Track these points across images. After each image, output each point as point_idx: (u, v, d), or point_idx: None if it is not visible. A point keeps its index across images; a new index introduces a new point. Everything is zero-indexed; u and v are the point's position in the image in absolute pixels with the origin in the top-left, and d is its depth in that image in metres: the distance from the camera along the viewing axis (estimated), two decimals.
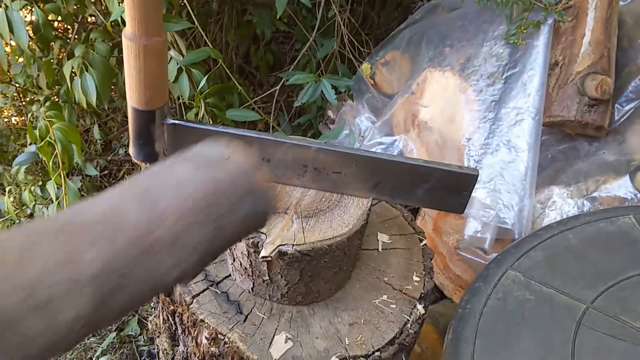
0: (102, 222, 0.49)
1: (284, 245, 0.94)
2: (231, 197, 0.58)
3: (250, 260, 1.00)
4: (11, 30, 1.39)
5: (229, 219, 0.58)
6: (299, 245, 0.94)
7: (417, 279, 1.16)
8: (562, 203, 1.50)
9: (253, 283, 1.04)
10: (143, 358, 2.18)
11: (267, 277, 1.01)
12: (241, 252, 1.00)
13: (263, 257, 0.93)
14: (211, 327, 1.01)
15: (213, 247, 0.57)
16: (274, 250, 0.93)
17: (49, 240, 0.46)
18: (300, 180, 1.03)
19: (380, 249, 1.20)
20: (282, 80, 2.08)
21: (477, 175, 0.91)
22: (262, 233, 0.96)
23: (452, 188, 0.95)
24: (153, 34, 0.76)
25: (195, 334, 1.06)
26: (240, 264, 1.03)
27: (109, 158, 2.74)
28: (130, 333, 2.24)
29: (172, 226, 0.52)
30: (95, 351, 2.15)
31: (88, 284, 0.45)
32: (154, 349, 2.19)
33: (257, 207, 0.61)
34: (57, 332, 0.44)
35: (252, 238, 0.96)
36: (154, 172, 0.58)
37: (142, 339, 2.23)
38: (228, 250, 1.06)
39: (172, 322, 1.14)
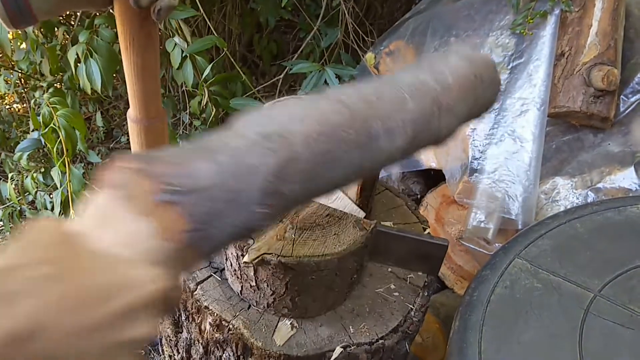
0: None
1: (269, 254, 0.91)
2: (484, 79, 0.78)
3: (238, 263, 0.98)
4: None
5: (482, 95, 0.78)
6: (285, 257, 0.91)
7: None
8: (566, 194, 1.50)
9: (241, 287, 1.03)
10: (144, 345, 2.19)
11: (254, 283, 0.98)
12: (232, 253, 0.99)
13: (245, 262, 0.91)
14: (215, 314, 1.01)
15: (470, 116, 0.79)
16: (257, 257, 0.91)
17: None
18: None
19: None
20: (285, 70, 2.08)
21: (447, 246, 0.97)
22: (251, 238, 0.94)
23: (424, 255, 1.00)
24: (153, 116, 0.86)
25: (199, 321, 1.06)
26: (231, 265, 1.02)
27: (110, 146, 2.74)
28: None
29: (456, 95, 0.72)
30: None
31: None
32: (156, 335, 2.19)
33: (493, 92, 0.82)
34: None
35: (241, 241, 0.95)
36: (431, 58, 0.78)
37: None
38: (223, 249, 1.05)
39: (176, 308, 1.14)
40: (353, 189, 1.10)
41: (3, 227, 2.40)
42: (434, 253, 0.98)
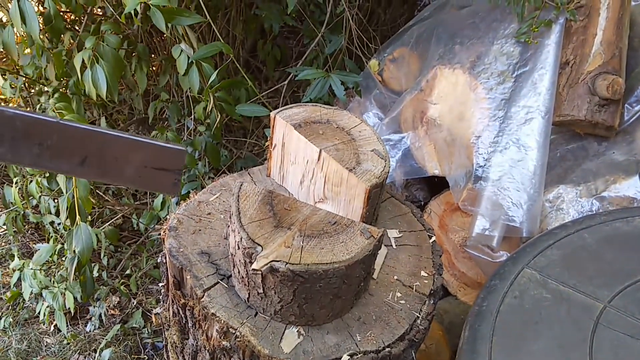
0: None
1: (277, 261, 0.92)
2: None
3: (246, 270, 0.99)
4: (23, 21, 1.38)
5: None
6: (293, 264, 0.92)
7: (427, 275, 1.16)
8: (571, 202, 1.50)
9: (249, 294, 1.02)
10: (147, 350, 2.18)
11: (261, 291, 0.99)
12: (239, 261, 1.00)
13: (254, 269, 0.92)
14: (222, 321, 1.01)
15: None
16: (266, 265, 0.91)
17: None
18: None
19: (394, 246, 1.20)
20: (289, 76, 2.08)
21: (185, 152, 0.89)
22: (259, 245, 0.95)
23: (161, 165, 0.90)
24: None
25: (206, 328, 1.06)
26: (239, 272, 1.02)
27: None
28: (134, 325, 2.24)
29: None
30: (100, 343, 2.15)
31: None
32: (158, 341, 2.19)
33: None
34: None
35: (248, 248, 0.95)
36: None
37: (146, 332, 2.23)
38: (230, 256, 1.06)
39: (183, 315, 1.14)
40: (360, 198, 1.11)
41: (6, 231, 2.40)
42: (171, 163, 0.89)
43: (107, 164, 0.91)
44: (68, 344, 2.17)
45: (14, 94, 2.07)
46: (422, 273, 1.16)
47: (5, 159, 0.90)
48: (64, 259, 2.25)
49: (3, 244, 2.62)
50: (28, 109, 2.63)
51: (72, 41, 1.80)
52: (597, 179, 1.50)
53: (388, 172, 1.13)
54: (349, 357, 0.98)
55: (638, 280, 0.93)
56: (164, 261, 1.20)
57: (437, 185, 1.98)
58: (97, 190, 2.43)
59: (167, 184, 0.91)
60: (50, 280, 2.12)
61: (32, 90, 2.26)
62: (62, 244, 2.11)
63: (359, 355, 0.99)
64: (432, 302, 1.11)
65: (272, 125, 1.23)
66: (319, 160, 1.15)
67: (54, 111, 1.56)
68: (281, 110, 1.23)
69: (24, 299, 2.22)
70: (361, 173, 1.10)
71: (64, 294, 2.01)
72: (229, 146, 2.55)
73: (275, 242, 0.96)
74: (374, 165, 1.13)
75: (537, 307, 0.94)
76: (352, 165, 1.12)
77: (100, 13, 2.00)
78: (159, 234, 1.19)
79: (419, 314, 1.08)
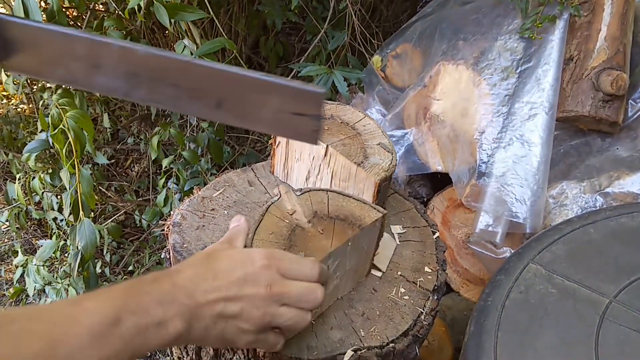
0: None
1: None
2: None
3: None
4: (27, 16, 1.38)
5: None
6: None
7: (431, 271, 1.16)
8: (574, 198, 1.50)
9: None
10: None
11: None
12: None
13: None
14: None
15: None
16: None
17: None
18: (135, 93, 0.88)
19: (398, 241, 1.20)
20: (292, 72, 2.08)
21: (324, 93, 0.81)
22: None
23: (299, 110, 0.84)
24: None
25: None
26: None
27: (117, 147, 2.74)
28: None
29: None
30: None
31: None
32: None
33: None
34: None
35: None
36: None
37: None
38: None
39: None
40: (369, 192, 1.11)
41: (9, 227, 2.41)
42: (309, 106, 0.83)
43: (244, 108, 0.86)
44: None
45: (16, 90, 2.07)
46: (426, 269, 1.16)
47: (145, 100, 0.88)
48: (66, 255, 2.25)
49: (6, 240, 2.63)
50: (30, 105, 2.63)
51: None
52: (601, 175, 1.50)
53: (395, 165, 1.13)
54: (353, 352, 0.98)
55: None
56: (168, 257, 1.20)
57: (440, 181, 1.98)
58: (99, 187, 2.43)
59: (307, 131, 0.85)
60: (54, 276, 2.12)
61: (35, 87, 2.26)
62: (65, 240, 2.11)
63: (363, 351, 0.99)
64: (435, 297, 1.11)
65: None
66: (325, 155, 1.15)
67: (56, 107, 1.56)
68: None
69: (27, 295, 2.23)
70: (369, 167, 1.10)
71: (67, 290, 2.02)
72: (231, 142, 2.55)
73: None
74: (382, 159, 1.13)
75: (543, 302, 0.94)
76: (360, 159, 1.12)
77: (103, 9, 2.00)
78: (162, 230, 1.19)
79: (423, 309, 1.08)
